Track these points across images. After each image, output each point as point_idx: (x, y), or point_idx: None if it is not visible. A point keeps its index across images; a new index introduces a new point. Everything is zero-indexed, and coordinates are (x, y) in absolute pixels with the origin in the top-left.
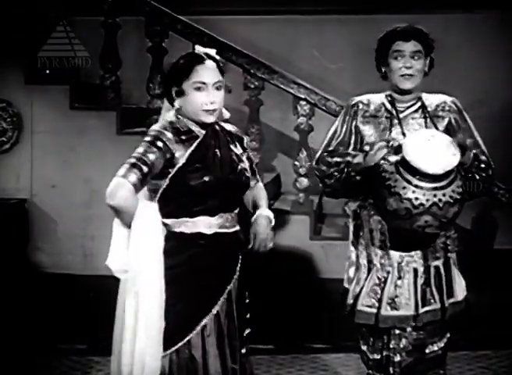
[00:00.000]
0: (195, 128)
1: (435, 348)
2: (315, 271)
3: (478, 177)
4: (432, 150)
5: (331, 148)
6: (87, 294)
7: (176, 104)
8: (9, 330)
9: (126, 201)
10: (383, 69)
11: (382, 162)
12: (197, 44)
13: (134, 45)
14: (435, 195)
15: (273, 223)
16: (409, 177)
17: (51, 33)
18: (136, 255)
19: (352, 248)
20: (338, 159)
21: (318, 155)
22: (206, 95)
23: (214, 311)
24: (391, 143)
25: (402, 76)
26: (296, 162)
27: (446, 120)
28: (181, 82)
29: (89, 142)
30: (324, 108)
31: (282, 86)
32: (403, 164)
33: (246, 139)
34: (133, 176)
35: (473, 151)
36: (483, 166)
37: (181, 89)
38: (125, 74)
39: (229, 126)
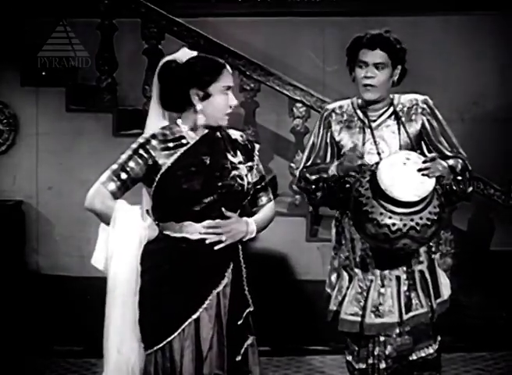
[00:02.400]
0: (188, 135)
1: (431, 351)
2: (311, 273)
3: (455, 188)
4: (407, 175)
5: (309, 163)
6: (83, 296)
7: (198, 107)
8: (6, 331)
9: (103, 207)
10: (353, 74)
11: (358, 185)
12: (185, 47)
13: (130, 47)
14: (412, 220)
15: (247, 237)
16: (385, 204)
17: (49, 34)
18: (112, 255)
19: (334, 254)
20: (315, 177)
21: (298, 171)
22: (232, 99)
23: (194, 316)
24: (364, 167)
25: (364, 86)
26: (292, 164)
27: (420, 123)
28: (207, 85)
29: (85, 144)
30: (320, 110)
31: (278, 88)
32: (379, 190)
33: (256, 149)
34: (112, 184)
35: (449, 162)
36: (460, 178)
37: (206, 92)
38: (121, 76)
39: (236, 135)
